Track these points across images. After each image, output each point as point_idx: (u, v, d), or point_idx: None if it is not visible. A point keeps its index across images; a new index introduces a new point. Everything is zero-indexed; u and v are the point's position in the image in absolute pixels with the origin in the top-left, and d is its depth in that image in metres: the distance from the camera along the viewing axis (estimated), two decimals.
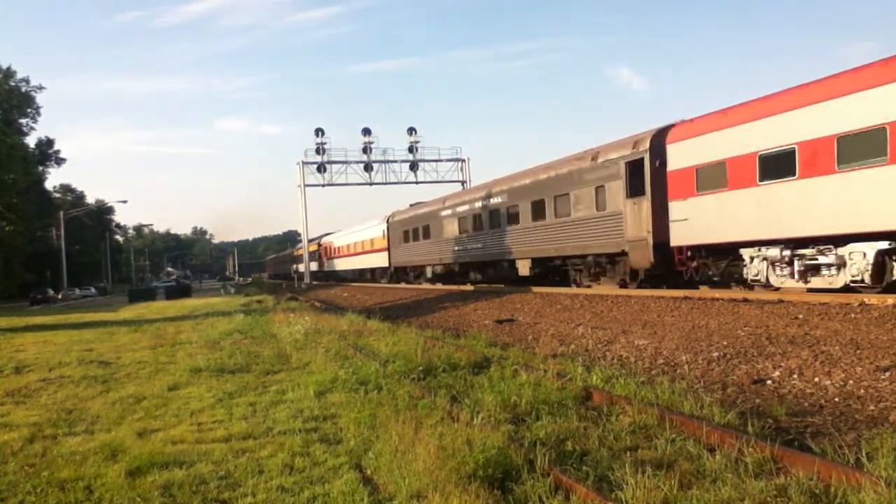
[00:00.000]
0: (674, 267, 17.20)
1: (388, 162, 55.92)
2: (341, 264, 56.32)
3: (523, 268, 24.30)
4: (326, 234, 66.53)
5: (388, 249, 40.80)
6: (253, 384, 9.66)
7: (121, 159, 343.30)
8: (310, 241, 70.80)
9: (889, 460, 4.64)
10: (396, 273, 41.05)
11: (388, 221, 41.12)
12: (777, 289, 14.31)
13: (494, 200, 26.41)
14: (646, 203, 17.55)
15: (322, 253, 64.17)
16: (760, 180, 13.98)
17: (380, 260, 42.88)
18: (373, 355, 10.96)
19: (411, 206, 39.96)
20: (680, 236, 16.49)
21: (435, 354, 10.17)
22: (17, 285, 56.32)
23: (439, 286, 32.89)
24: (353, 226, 51.83)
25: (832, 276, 13.08)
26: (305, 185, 54.95)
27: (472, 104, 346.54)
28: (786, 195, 13.45)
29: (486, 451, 4.94)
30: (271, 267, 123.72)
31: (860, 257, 12.31)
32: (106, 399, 9.18)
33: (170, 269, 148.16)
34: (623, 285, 19.40)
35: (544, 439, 5.71)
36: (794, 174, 13.20)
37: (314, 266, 64.55)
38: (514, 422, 6.40)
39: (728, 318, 12.06)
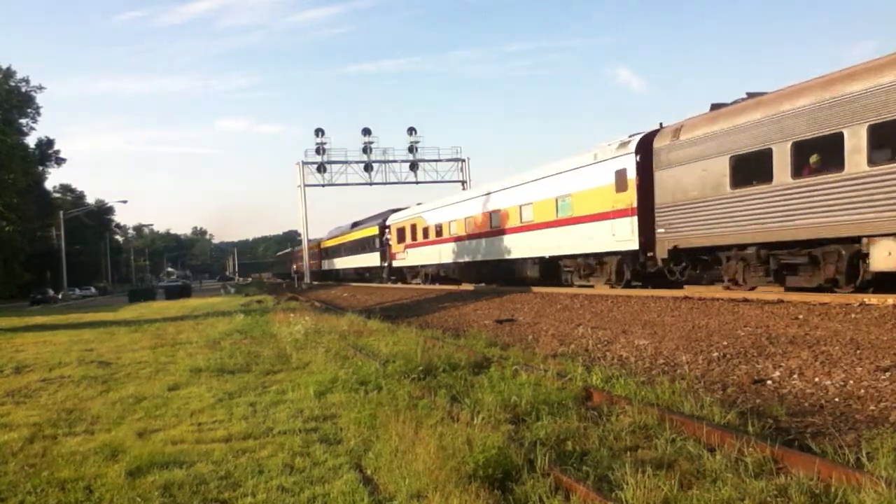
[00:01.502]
0: None
1: (388, 162, 56.14)
2: (449, 253, 31.92)
3: None
4: (398, 210, 42.40)
5: (639, 212, 17.55)
6: (253, 384, 9.65)
7: (121, 159, 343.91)
8: (358, 223, 52.28)
9: (889, 460, 4.64)
10: (674, 261, 16.88)
11: (637, 153, 17.56)
12: None
13: None
14: None
15: (394, 239, 40.33)
16: None
17: (603, 239, 19.17)
18: (373, 355, 10.96)
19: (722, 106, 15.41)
20: None
21: (435, 354, 10.16)
22: (17, 285, 56.26)
23: (437, 286, 32.59)
24: (499, 181, 27.23)
25: None
26: (305, 185, 55.08)
27: (472, 104, 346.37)
28: None
29: (486, 451, 4.94)
30: (289, 262, 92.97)
31: None
32: (106, 399, 9.18)
33: (170, 269, 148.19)
34: None
35: (544, 439, 5.71)
36: None
37: (373, 260, 45.16)
38: (515, 422, 6.39)
39: (728, 318, 12.06)
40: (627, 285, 19.14)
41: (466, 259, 30.11)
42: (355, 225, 53.14)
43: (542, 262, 23.66)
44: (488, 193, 27.63)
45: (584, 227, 20.13)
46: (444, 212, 32.76)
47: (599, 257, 20.06)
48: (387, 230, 41.97)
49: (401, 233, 39.10)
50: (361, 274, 50.28)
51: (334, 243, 58.88)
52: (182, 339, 16.79)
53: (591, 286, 20.55)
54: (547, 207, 22.60)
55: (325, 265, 62.37)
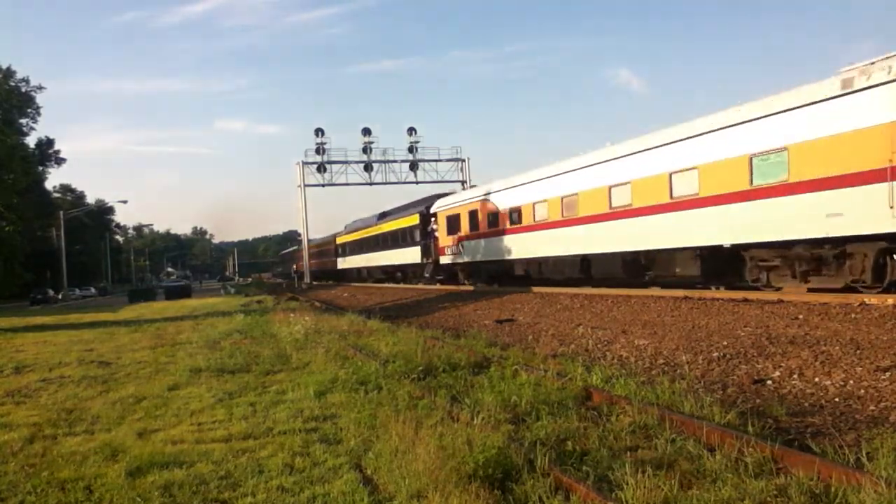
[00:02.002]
0: None
1: (388, 162, 56.07)
2: (531, 246, 24.36)
3: None
4: (445, 195, 35.82)
5: None
6: (253, 384, 9.65)
7: (121, 159, 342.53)
8: (388, 213, 44.59)
9: (889, 460, 4.64)
10: None
11: None
12: None
13: None
14: None
15: (443, 230, 32.41)
16: None
17: (861, 215, 12.14)
18: (373, 355, 10.96)
19: None
20: None
21: (435, 354, 10.17)
22: (17, 285, 56.28)
23: (439, 286, 32.58)
24: (622, 143, 19.95)
25: None
26: (305, 185, 55.03)
27: (472, 104, 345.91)
28: None
29: (486, 451, 4.94)
30: (292, 262, 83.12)
31: None
32: (106, 399, 9.18)
33: (170, 269, 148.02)
34: None
35: (544, 439, 5.71)
36: None
37: (412, 256, 37.40)
38: (515, 422, 6.40)
39: (728, 318, 12.07)
40: (890, 289, 12.32)
41: (560, 253, 22.56)
42: (383, 216, 44.70)
43: (709, 254, 16.47)
44: (606, 161, 20.08)
45: (815, 197, 13.09)
46: (527, 190, 24.75)
47: (840, 245, 13.12)
48: (432, 219, 33.96)
49: (452, 222, 30.84)
50: (392, 273, 41.83)
51: (355, 238, 50.65)
52: (182, 340, 16.79)
53: (778, 289, 14.46)
54: (728, 172, 15.25)
55: (342, 264, 54.62)
